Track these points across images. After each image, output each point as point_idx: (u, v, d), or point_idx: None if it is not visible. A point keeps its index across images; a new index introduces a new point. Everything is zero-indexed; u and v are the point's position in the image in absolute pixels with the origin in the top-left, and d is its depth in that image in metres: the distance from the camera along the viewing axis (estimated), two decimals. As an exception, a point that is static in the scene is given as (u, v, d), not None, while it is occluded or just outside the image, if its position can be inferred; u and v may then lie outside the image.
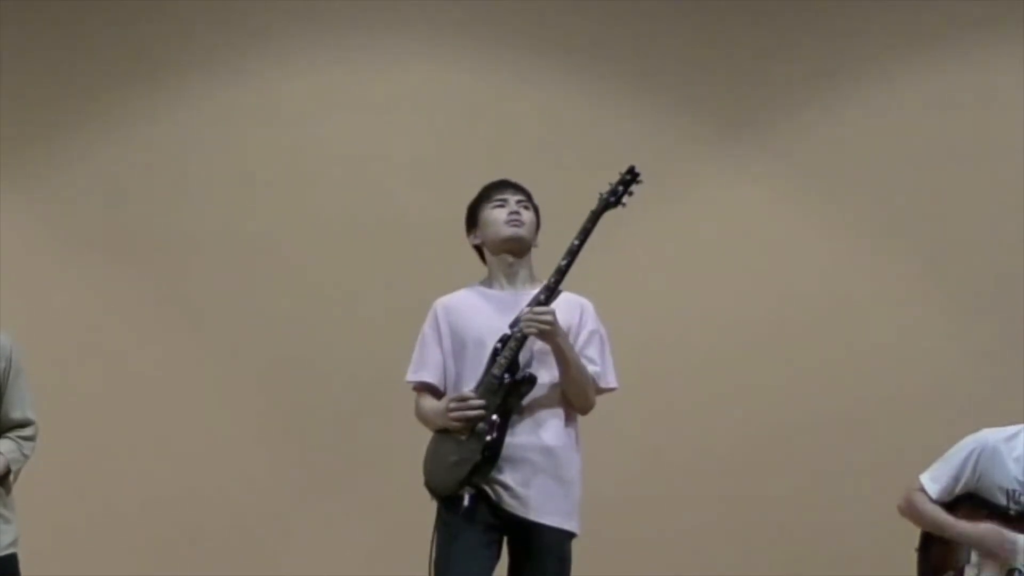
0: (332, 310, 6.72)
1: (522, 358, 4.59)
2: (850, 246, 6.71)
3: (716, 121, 6.75)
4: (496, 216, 4.72)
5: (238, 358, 6.76)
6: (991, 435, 4.74)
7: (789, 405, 6.61)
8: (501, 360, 4.55)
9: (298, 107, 6.79)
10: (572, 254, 4.60)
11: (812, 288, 6.66)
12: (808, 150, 6.73)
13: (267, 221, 6.76)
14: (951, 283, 6.65)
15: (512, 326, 4.60)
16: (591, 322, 4.74)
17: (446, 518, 4.62)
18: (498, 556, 4.65)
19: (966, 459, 4.73)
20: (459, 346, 4.68)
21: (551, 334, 4.55)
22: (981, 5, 6.65)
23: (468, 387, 4.62)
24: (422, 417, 4.74)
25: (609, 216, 6.75)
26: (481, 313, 4.70)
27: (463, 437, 4.56)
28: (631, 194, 4.76)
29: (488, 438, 4.52)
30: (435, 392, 4.72)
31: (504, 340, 4.59)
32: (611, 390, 4.74)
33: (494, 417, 4.53)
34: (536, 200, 4.82)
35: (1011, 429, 4.74)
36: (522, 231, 4.72)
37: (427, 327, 4.77)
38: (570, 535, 4.67)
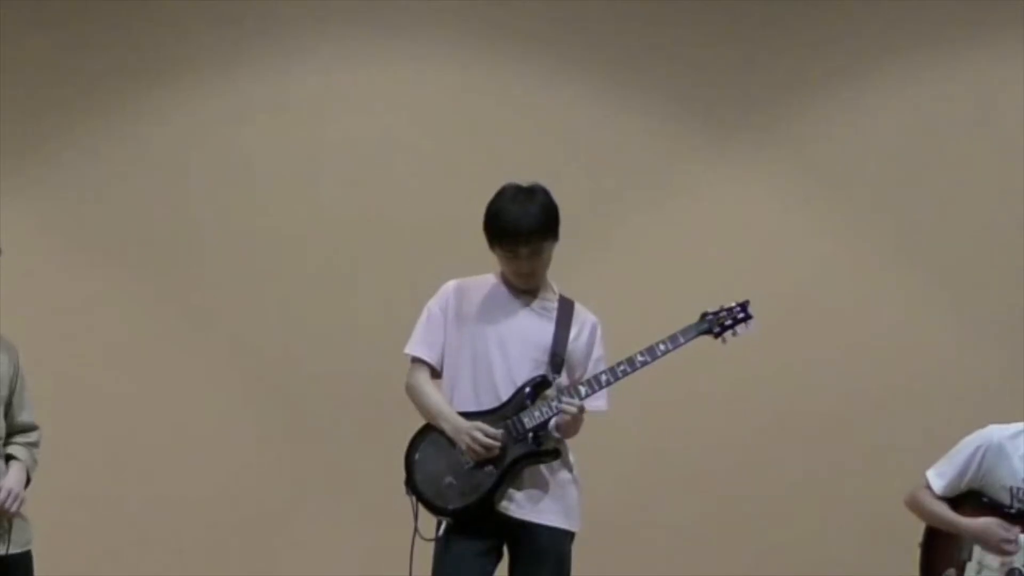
0: (333, 309, 6.72)
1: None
2: (850, 245, 6.72)
3: (716, 121, 6.75)
4: (506, 265, 4.66)
5: (239, 358, 6.76)
6: (997, 432, 4.77)
7: (789, 402, 6.63)
8: (536, 414, 4.54)
9: (300, 107, 6.78)
10: (653, 356, 4.55)
11: (812, 287, 6.67)
12: (808, 150, 6.74)
13: (269, 221, 6.76)
14: (951, 281, 6.65)
15: (554, 358, 4.58)
16: (599, 346, 4.74)
17: (437, 518, 4.63)
18: (498, 560, 4.65)
19: (972, 456, 4.76)
20: (465, 337, 4.66)
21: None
22: (981, 5, 6.67)
23: (463, 380, 4.62)
24: (415, 395, 4.70)
25: (608, 215, 6.84)
26: (494, 309, 4.68)
27: (467, 463, 4.56)
28: (735, 334, 4.66)
29: (483, 491, 4.52)
30: (431, 370, 4.72)
31: (540, 383, 4.57)
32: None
33: (501, 468, 4.53)
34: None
35: (1017, 426, 4.77)
36: (531, 285, 4.68)
37: (435, 306, 4.73)
38: (569, 534, 4.67)
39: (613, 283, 6.52)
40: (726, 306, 4.66)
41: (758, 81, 6.74)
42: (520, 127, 6.75)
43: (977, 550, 4.74)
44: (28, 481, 4.69)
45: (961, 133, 6.68)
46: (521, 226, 4.53)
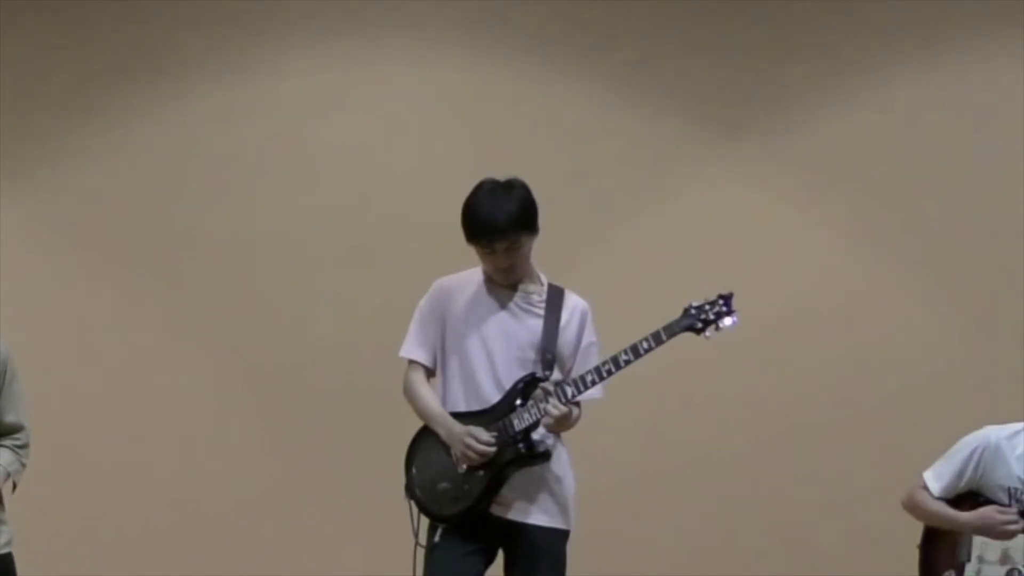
0: (332, 310, 6.73)
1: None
2: (850, 245, 6.71)
3: (716, 121, 6.75)
4: (485, 261, 4.64)
5: (238, 358, 6.76)
6: (994, 432, 4.75)
7: (788, 404, 6.62)
8: (526, 416, 4.52)
9: (299, 107, 6.79)
10: (636, 354, 4.50)
11: (812, 287, 6.66)
12: (808, 150, 6.73)
13: (267, 221, 6.76)
14: (951, 281, 6.64)
15: (544, 355, 4.57)
16: (589, 332, 4.71)
17: (432, 523, 4.63)
18: (490, 561, 4.64)
19: (969, 456, 4.74)
20: (451, 338, 4.65)
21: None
22: (981, 5, 6.66)
23: (452, 381, 4.62)
24: (411, 398, 4.69)
25: (608, 215, 6.83)
26: (476, 309, 4.66)
27: (460, 467, 4.55)
28: (719, 329, 4.59)
29: (475, 496, 4.51)
30: (427, 371, 4.70)
31: (530, 381, 4.56)
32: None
33: (492, 471, 4.51)
34: (536, 194, 4.66)
35: (1014, 426, 4.75)
36: (512, 280, 4.65)
37: (426, 306, 4.72)
38: (563, 533, 4.65)
39: (613, 283, 6.51)
40: (709, 299, 4.61)
41: (759, 81, 6.74)
42: (519, 127, 6.74)
43: (976, 549, 4.72)
44: (7, 479, 4.63)
45: (962, 133, 6.66)
46: (496, 221, 4.51)
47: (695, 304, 4.60)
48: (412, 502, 4.63)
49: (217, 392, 6.76)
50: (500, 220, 4.51)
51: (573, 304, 4.69)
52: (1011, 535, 4.65)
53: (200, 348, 6.78)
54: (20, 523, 6.25)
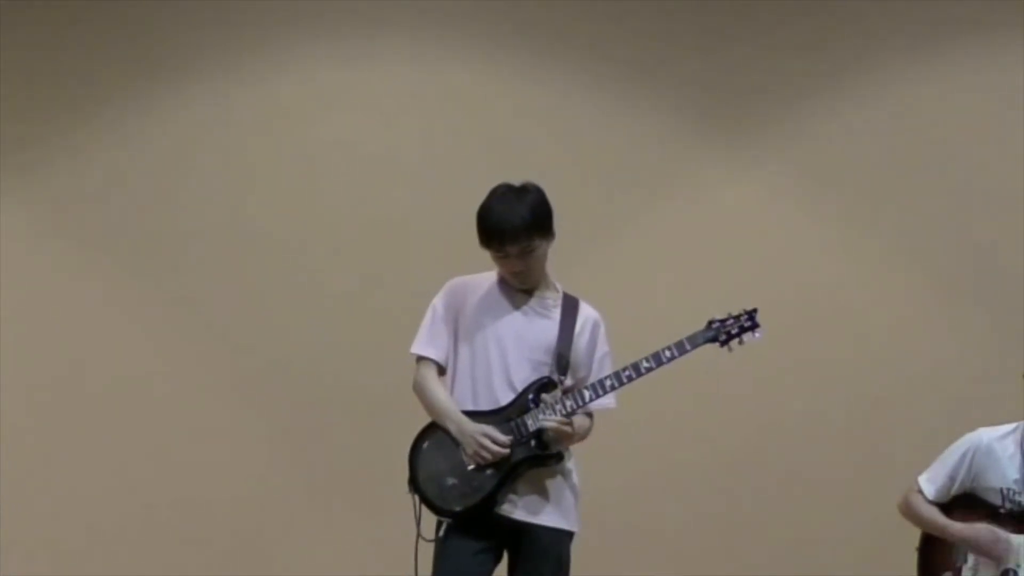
0: (333, 310, 6.71)
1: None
2: (850, 245, 6.70)
3: (717, 120, 6.74)
4: (500, 265, 4.63)
5: (239, 358, 6.75)
6: (985, 434, 4.76)
7: (789, 402, 6.61)
8: (540, 417, 4.51)
9: (298, 107, 6.78)
10: (658, 362, 4.52)
11: (812, 286, 6.66)
12: (809, 149, 6.74)
13: (268, 221, 6.75)
14: (950, 280, 6.64)
15: (559, 359, 4.59)
16: (603, 342, 4.71)
17: (438, 519, 4.61)
18: (497, 561, 4.63)
19: (961, 459, 4.76)
20: (463, 336, 4.64)
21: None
22: (981, 5, 6.65)
23: (462, 379, 4.61)
24: (422, 393, 4.67)
25: (609, 215, 6.83)
26: (490, 309, 4.66)
27: (469, 465, 4.55)
28: (742, 343, 4.60)
29: (485, 493, 4.51)
30: (438, 368, 4.69)
31: (545, 385, 4.56)
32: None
33: (504, 470, 4.51)
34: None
35: (1005, 428, 4.77)
36: (527, 284, 4.66)
37: (440, 304, 4.71)
38: (568, 534, 4.65)
39: (615, 283, 6.50)
40: (734, 314, 4.61)
41: (761, 81, 6.73)
42: (520, 127, 6.74)
43: (972, 554, 4.74)
44: None
45: (961, 133, 6.66)
46: (506, 225, 4.51)
47: (718, 318, 4.61)
48: (416, 496, 4.61)
49: (218, 391, 6.74)
50: (512, 224, 4.51)
51: (587, 314, 4.70)
52: (998, 555, 4.68)
53: (200, 347, 6.77)
54: (20, 523, 6.32)
